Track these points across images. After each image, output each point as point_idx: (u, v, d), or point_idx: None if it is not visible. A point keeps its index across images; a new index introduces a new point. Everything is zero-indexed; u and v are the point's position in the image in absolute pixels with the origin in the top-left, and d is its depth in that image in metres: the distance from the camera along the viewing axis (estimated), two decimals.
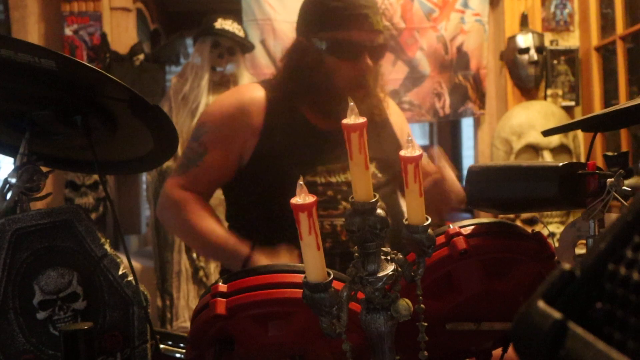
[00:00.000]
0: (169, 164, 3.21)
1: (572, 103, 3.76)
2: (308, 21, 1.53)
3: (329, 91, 1.48)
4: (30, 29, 3.52)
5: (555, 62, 3.75)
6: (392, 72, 3.62)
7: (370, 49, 1.47)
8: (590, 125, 1.14)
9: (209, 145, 1.52)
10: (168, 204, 1.56)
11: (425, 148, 1.36)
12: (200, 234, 1.49)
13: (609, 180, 0.89)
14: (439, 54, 3.73)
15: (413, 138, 0.75)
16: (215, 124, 1.54)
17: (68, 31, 3.57)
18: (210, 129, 1.54)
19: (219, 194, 1.65)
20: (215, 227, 1.48)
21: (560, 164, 0.90)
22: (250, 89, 1.61)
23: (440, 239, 0.93)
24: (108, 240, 0.99)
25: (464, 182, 1.03)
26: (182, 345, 1.22)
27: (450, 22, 3.71)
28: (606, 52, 3.66)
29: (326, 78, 1.48)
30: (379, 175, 1.54)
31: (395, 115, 1.69)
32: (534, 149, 3.53)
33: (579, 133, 3.62)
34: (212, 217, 1.50)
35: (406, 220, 0.76)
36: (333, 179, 1.48)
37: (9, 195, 0.97)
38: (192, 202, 1.52)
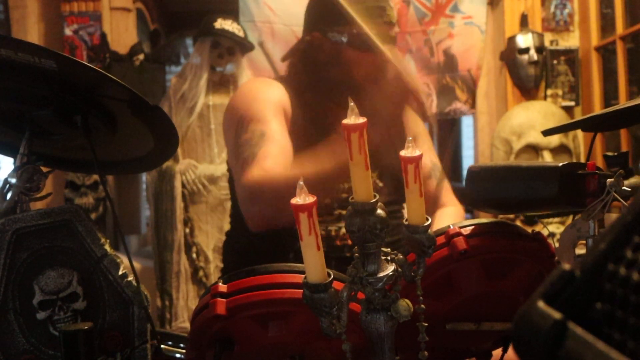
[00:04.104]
0: (169, 164, 3.22)
1: (572, 103, 3.76)
2: (324, 15, 1.50)
3: (346, 84, 1.45)
4: (30, 29, 3.51)
5: (555, 62, 3.75)
6: None
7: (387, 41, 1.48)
8: (590, 125, 1.14)
9: (260, 124, 1.41)
10: (252, 189, 1.34)
11: None
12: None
13: (609, 180, 0.89)
14: (424, 57, 3.77)
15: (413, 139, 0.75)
16: (250, 107, 1.45)
17: (68, 31, 3.57)
18: (249, 112, 1.44)
19: (218, 194, 1.62)
20: (310, 165, 1.28)
21: (560, 164, 0.90)
22: (266, 80, 1.61)
23: (440, 239, 0.93)
24: (108, 240, 0.99)
25: (464, 183, 1.03)
26: (182, 345, 1.22)
27: (437, 27, 3.75)
28: (606, 52, 3.66)
29: (344, 71, 1.47)
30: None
31: (412, 121, 1.67)
32: (534, 149, 3.53)
33: (579, 133, 3.62)
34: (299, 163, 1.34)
35: (406, 220, 0.76)
36: None
37: (9, 195, 0.97)
38: (275, 171, 1.33)
